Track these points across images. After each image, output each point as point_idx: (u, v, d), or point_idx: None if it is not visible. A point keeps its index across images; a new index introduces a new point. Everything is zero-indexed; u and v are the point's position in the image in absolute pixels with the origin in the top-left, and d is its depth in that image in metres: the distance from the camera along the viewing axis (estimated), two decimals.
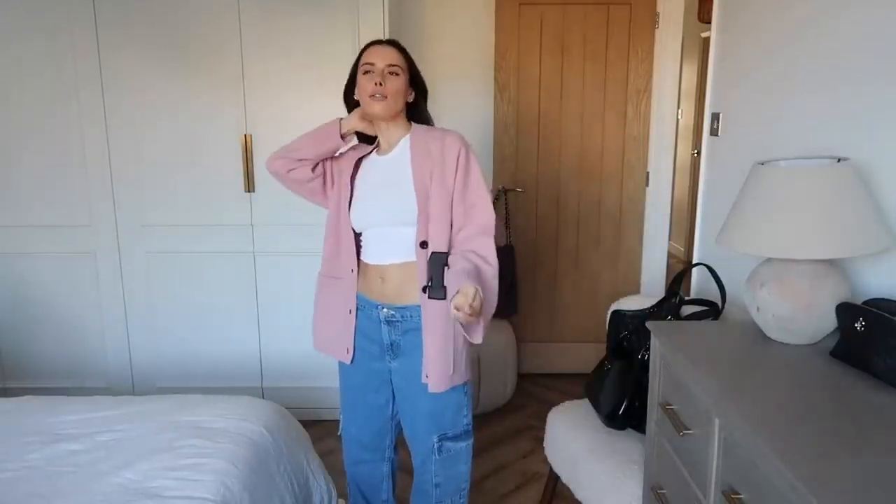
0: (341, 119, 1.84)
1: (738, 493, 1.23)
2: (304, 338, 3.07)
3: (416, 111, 1.87)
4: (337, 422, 3.08)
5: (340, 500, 2.31)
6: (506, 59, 3.38)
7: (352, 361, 1.89)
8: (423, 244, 1.74)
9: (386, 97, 1.72)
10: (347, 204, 1.83)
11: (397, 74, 1.74)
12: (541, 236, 3.59)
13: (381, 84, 1.72)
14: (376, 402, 1.93)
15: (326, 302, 1.92)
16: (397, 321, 1.81)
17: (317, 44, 2.86)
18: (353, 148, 1.91)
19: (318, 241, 2.92)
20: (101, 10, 2.82)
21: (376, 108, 1.73)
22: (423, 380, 1.78)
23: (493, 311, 1.71)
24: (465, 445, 1.89)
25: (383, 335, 1.84)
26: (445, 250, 1.73)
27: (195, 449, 1.80)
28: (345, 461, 2.05)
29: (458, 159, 1.74)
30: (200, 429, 1.91)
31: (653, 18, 3.36)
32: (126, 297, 3.07)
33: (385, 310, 1.80)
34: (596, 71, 3.41)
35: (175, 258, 3.03)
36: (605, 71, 3.41)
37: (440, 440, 1.84)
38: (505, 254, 3.29)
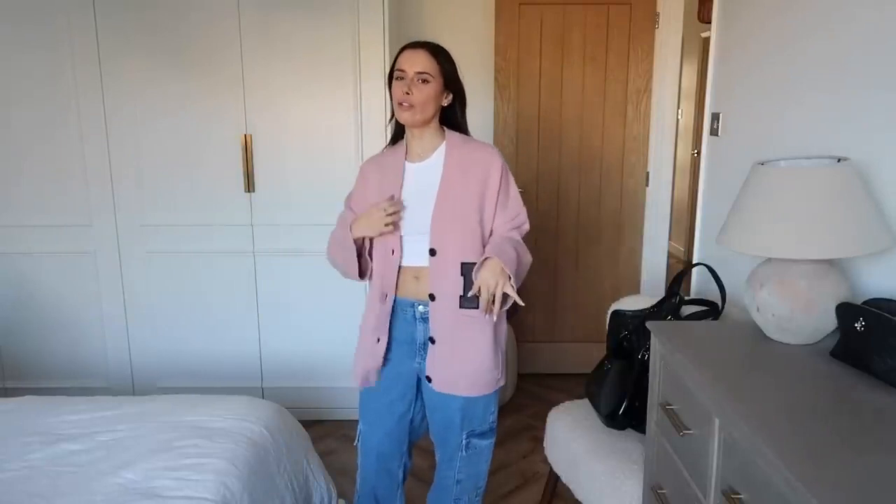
0: (351, 225, 1.82)
1: (738, 493, 1.23)
2: (304, 338, 3.09)
3: (452, 116, 1.83)
4: (340, 422, 3.10)
5: (341, 500, 2.31)
6: (506, 59, 3.38)
7: (377, 381, 1.88)
8: (432, 252, 1.75)
9: (413, 106, 1.71)
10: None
11: (427, 81, 1.72)
12: (541, 236, 3.58)
13: (409, 93, 1.71)
14: (400, 409, 1.90)
15: (361, 335, 1.91)
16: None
17: (317, 45, 2.86)
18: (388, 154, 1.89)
19: (318, 240, 2.94)
20: (102, 14, 2.82)
21: (404, 116, 1.74)
22: (456, 391, 1.80)
23: (522, 275, 1.76)
24: (489, 443, 1.92)
25: (417, 333, 1.83)
26: (473, 260, 1.73)
27: (195, 449, 1.80)
28: (361, 473, 1.98)
29: (500, 176, 1.78)
30: (200, 429, 1.91)
31: (653, 18, 3.36)
32: (126, 297, 3.07)
33: (421, 307, 1.80)
34: (596, 71, 3.41)
35: (175, 258, 3.04)
36: (605, 71, 3.41)
37: (468, 437, 1.86)
38: None
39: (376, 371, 1.86)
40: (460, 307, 1.75)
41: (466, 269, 1.73)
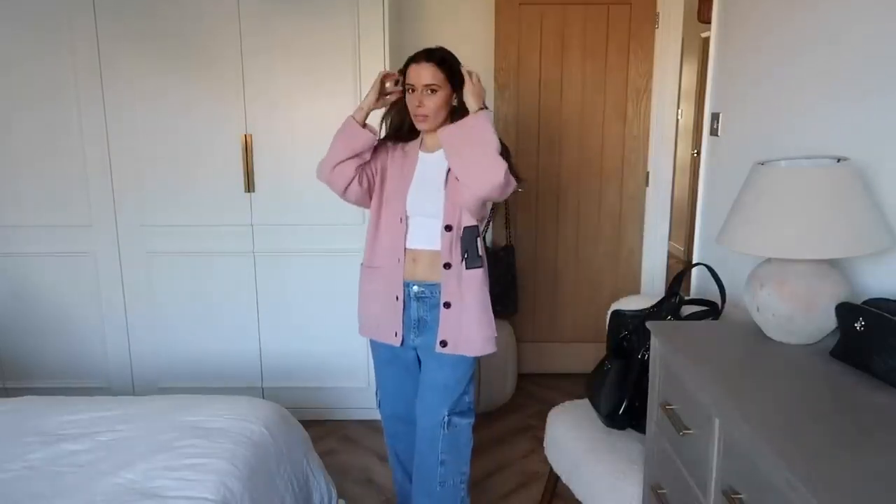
0: (353, 115, 2.00)
1: (738, 493, 1.23)
2: (304, 338, 3.09)
3: (463, 114, 1.97)
4: (340, 422, 3.11)
5: (341, 500, 2.31)
6: (506, 59, 3.38)
7: (402, 344, 2.03)
8: (448, 227, 1.95)
9: (427, 116, 1.93)
10: (405, 192, 2.00)
11: (435, 91, 1.91)
12: (541, 236, 3.58)
13: (420, 105, 1.92)
14: (407, 376, 2.10)
15: (368, 290, 2.10)
16: (426, 297, 2.00)
17: (317, 45, 2.86)
18: (401, 147, 2.07)
19: (318, 240, 2.97)
20: (102, 15, 2.82)
21: (422, 126, 1.96)
22: (438, 349, 1.97)
23: (486, 144, 1.87)
24: (468, 423, 2.06)
25: (412, 311, 2.02)
26: (474, 223, 1.95)
27: (195, 449, 1.80)
28: (385, 434, 2.24)
29: None
30: (200, 429, 1.91)
31: (653, 18, 3.35)
32: (126, 297, 3.07)
33: (416, 287, 2.00)
34: (596, 71, 3.41)
35: (175, 258, 3.03)
36: (606, 71, 3.40)
37: (449, 414, 2.00)
38: (505, 253, 3.29)
39: (402, 329, 2.02)
40: (467, 268, 1.94)
41: (468, 233, 1.94)
